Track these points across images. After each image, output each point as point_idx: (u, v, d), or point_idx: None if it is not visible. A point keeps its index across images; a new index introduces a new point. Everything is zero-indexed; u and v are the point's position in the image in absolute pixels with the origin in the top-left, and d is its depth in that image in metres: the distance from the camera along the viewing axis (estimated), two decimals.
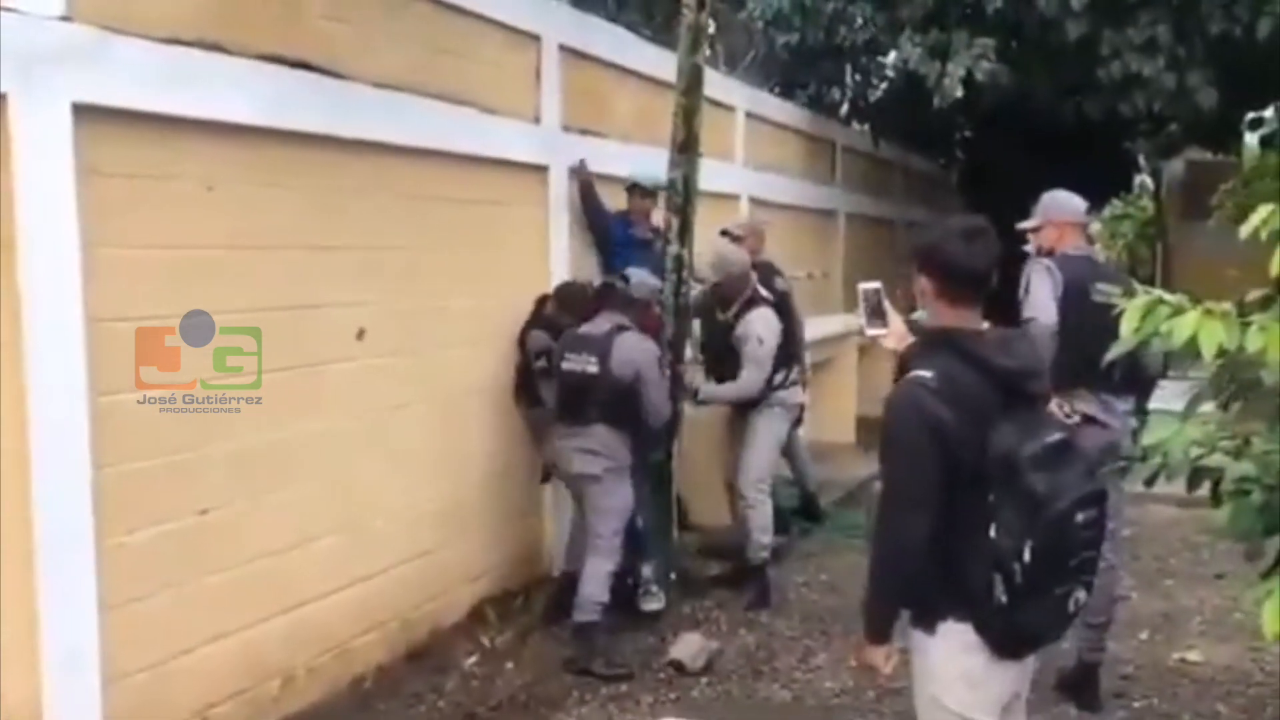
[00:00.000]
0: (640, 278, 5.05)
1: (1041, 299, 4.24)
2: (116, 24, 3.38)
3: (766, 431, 5.72)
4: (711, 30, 7.65)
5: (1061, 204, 4.59)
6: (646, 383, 4.86)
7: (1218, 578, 5.93)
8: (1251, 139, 13.04)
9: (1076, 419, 3.88)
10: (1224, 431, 3.21)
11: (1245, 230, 2.46)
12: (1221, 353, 2.39)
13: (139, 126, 3.50)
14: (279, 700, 4.14)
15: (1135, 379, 4.14)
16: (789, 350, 5.73)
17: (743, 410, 5.82)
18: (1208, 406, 3.15)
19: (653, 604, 5.24)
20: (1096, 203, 17.69)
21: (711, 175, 6.36)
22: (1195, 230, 22.83)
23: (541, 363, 5.21)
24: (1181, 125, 11.11)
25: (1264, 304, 2.85)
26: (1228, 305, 2.58)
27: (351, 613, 4.50)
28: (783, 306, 5.76)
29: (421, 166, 4.82)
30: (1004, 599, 2.38)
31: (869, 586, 2.58)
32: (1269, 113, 11.18)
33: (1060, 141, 11.56)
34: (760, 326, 5.49)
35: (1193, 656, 4.89)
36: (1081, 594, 2.49)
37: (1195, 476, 3.20)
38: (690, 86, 5.14)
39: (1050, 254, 4.47)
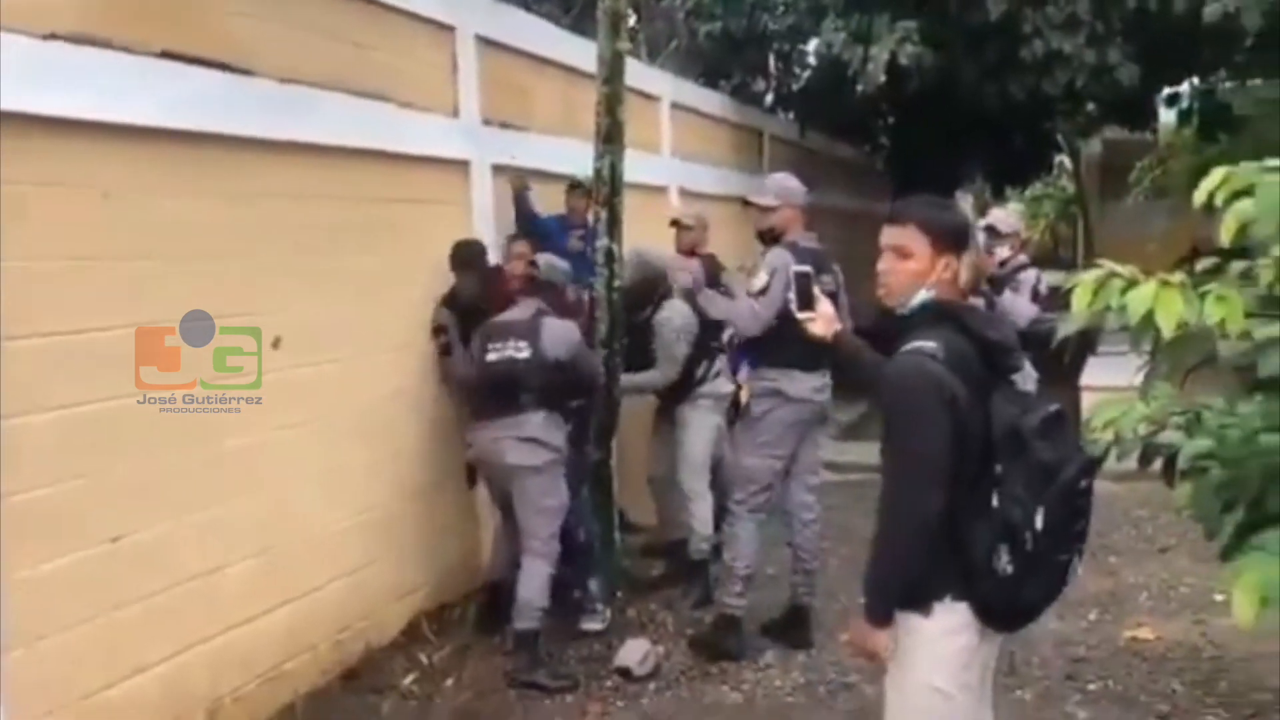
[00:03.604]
0: (549, 262, 4.90)
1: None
2: None
3: (699, 425, 5.60)
4: (633, 20, 7.52)
5: (795, 189, 4.81)
6: (579, 360, 4.75)
7: (1161, 552, 5.93)
8: (1167, 116, 13.25)
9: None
10: (1175, 407, 3.14)
11: (1197, 198, 2.36)
12: (1181, 325, 2.29)
13: (25, 131, 3.25)
14: None
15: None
16: (709, 341, 5.60)
17: (669, 406, 5.70)
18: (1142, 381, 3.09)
19: (594, 624, 5.04)
20: (1019, 183, 17.92)
21: (639, 167, 6.19)
22: (1114, 208, 23.34)
23: (442, 339, 5.08)
24: (1100, 104, 11.21)
25: (1214, 272, 2.78)
26: (1182, 276, 2.49)
27: (279, 636, 4.27)
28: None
29: (335, 165, 4.59)
30: (1009, 569, 2.37)
31: (878, 566, 2.50)
32: (1184, 89, 11.33)
33: (982, 124, 11.60)
34: (677, 320, 5.42)
35: (1143, 634, 4.85)
36: (1076, 561, 2.51)
37: (1147, 454, 3.13)
38: (612, 74, 4.97)
39: (779, 238, 4.67)
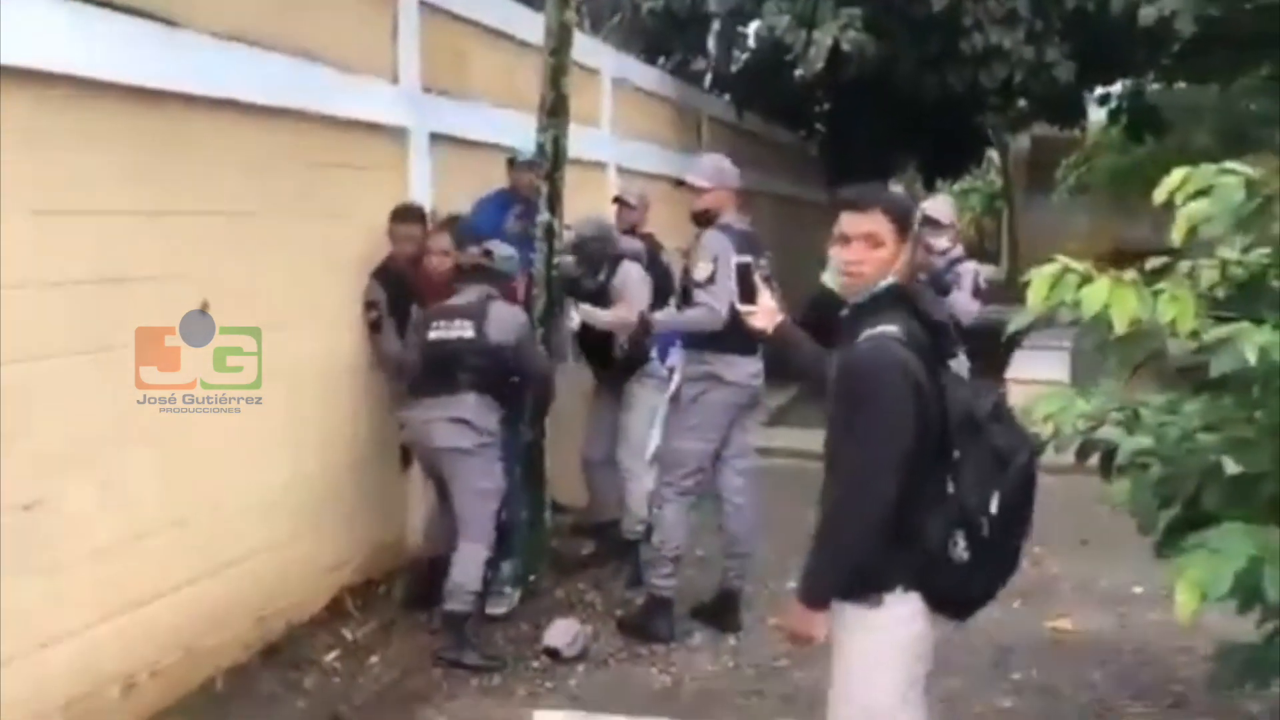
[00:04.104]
0: (503, 252, 4.80)
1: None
2: None
3: (644, 404, 5.55)
4: None
5: (729, 170, 4.82)
6: (523, 349, 4.69)
7: (1083, 544, 6.03)
8: (1096, 114, 13.51)
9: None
10: (1113, 403, 3.17)
11: (1158, 195, 2.36)
12: (1134, 322, 2.29)
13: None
14: (121, 708, 3.77)
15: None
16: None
17: (613, 383, 5.64)
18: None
19: (500, 607, 4.92)
20: (951, 175, 18.15)
21: (578, 142, 6.09)
22: (1039, 203, 23.81)
23: (373, 314, 4.98)
24: (1034, 100, 11.37)
25: (1162, 271, 2.79)
26: (1133, 274, 2.50)
27: (198, 610, 4.14)
28: (664, 280, 5.59)
29: (268, 125, 4.44)
30: (965, 556, 2.37)
31: (822, 550, 2.47)
32: (1117, 88, 11.53)
33: (917, 115, 11.69)
34: (635, 275, 5.33)
35: (1065, 624, 4.93)
36: (1022, 544, 2.54)
37: (1084, 449, 3.16)
38: (559, 46, 4.89)
39: (713, 219, 4.68)
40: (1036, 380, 8.64)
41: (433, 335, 4.60)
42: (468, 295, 4.69)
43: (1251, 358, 2.13)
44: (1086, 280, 2.39)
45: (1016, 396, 8.97)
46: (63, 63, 3.45)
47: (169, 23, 3.86)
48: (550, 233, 4.97)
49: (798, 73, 11.39)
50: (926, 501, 2.38)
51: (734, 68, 11.86)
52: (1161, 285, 2.47)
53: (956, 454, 2.39)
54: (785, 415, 9.28)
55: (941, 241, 6.03)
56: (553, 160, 4.95)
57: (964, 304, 5.53)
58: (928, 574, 2.42)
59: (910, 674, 2.50)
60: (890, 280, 2.53)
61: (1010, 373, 8.80)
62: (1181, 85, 12.71)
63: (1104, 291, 2.31)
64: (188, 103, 3.98)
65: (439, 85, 5.68)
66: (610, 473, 5.60)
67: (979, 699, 4.20)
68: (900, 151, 14.58)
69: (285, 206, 4.57)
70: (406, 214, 5.10)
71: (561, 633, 4.59)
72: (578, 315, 5.21)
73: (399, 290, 5.01)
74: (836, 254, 2.59)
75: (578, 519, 6.08)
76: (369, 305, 5.01)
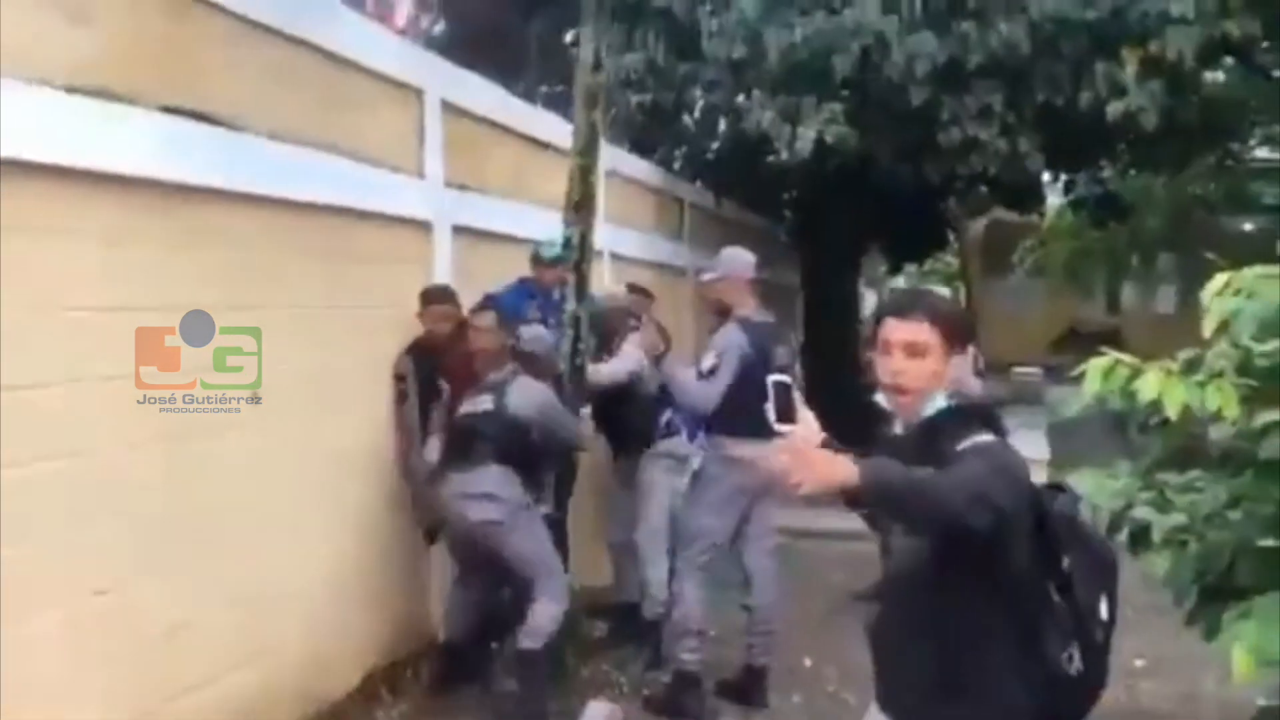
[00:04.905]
0: (534, 334, 5.00)
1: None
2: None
3: (659, 486, 5.71)
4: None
5: (738, 260, 5.03)
6: (549, 417, 4.84)
7: None
8: (1052, 199, 14.07)
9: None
10: (1139, 483, 3.39)
11: (1206, 297, 2.60)
12: (1184, 410, 2.52)
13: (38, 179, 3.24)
14: None
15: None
16: (668, 398, 5.72)
17: (629, 464, 5.81)
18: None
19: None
20: (917, 259, 18.63)
21: None
22: (996, 285, 24.45)
23: (400, 386, 5.14)
24: (999, 188, 11.82)
25: (1191, 364, 3.03)
26: (1173, 365, 2.73)
27: (243, 695, 4.21)
28: None
29: (309, 221, 4.63)
30: (1081, 668, 2.29)
31: (913, 484, 2.13)
32: (1080, 177, 12.05)
33: (884, 202, 12.08)
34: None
35: None
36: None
37: (1114, 525, 3.37)
38: (587, 145, 5.14)
39: (728, 311, 4.86)
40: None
41: (461, 411, 4.76)
42: (499, 373, 4.86)
43: None
44: (1137, 372, 2.62)
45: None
46: (150, 168, 3.65)
47: (233, 127, 4.06)
48: (577, 323, 5.17)
49: (770, 158, 11.81)
50: (1040, 615, 2.27)
51: (709, 155, 12.20)
52: (1198, 376, 2.71)
53: (1066, 561, 2.30)
54: (809, 497, 9.38)
55: None
56: (580, 253, 5.17)
57: (973, 384, 5.79)
58: (1050, 693, 2.29)
59: None
60: (948, 398, 2.39)
61: None
62: (1133, 174, 13.29)
63: (1156, 383, 2.54)
64: (243, 201, 4.17)
65: (459, 180, 5.91)
66: (631, 554, 5.73)
67: None
68: (868, 237, 15.00)
69: (319, 298, 4.73)
70: (442, 295, 5.28)
71: (597, 714, 4.69)
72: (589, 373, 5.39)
73: (429, 368, 5.17)
74: (879, 363, 2.43)
75: (590, 600, 6.18)
76: (398, 378, 5.16)
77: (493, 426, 4.72)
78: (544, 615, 4.61)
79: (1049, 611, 2.29)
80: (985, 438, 2.29)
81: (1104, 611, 2.32)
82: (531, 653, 4.58)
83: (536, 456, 4.94)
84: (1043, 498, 2.35)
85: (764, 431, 4.62)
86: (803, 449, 2.17)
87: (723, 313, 4.99)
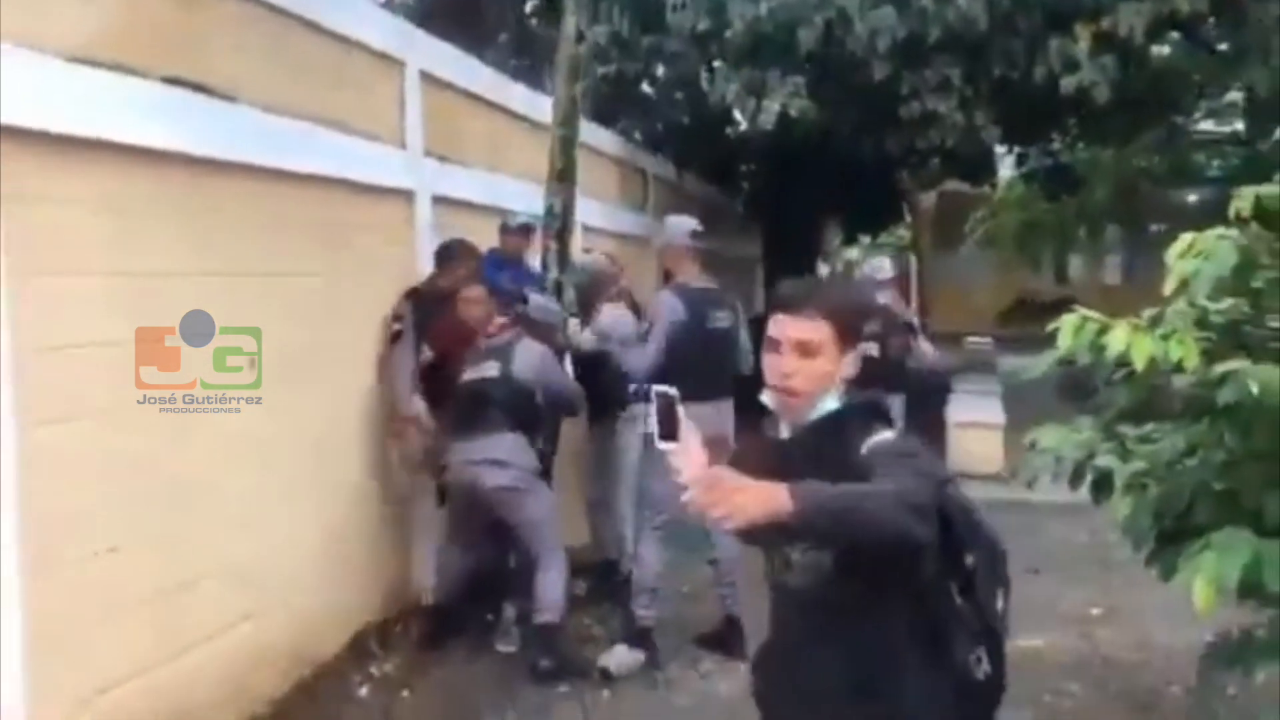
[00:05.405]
0: (540, 302, 5.13)
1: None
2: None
3: (631, 447, 5.86)
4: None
5: (674, 227, 5.13)
6: (552, 379, 4.99)
7: (1035, 573, 6.48)
8: (1003, 171, 14.40)
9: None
10: (1101, 435, 3.61)
11: (1171, 255, 2.80)
12: (1151, 362, 2.73)
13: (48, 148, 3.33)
14: None
15: None
16: None
17: (606, 424, 5.96)
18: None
19: (508, 646, 5.21)
20: (872, 231, 18.93)
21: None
22: (946, 257, 24.78)
23: (395, 327, 5.23)
24: (954, 160, 12.09)
25: (1153, 321, 3.25)
26: (1138, 320, 2.94)
27: (241, 651, 4.34)
28: None
29: (297, 190, 4.72)
30: (989, 668, 2.15)
31: (845, 500, 1.90)
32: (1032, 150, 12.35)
33: (841, 174, 12.32)
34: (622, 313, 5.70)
35: (1037, 644, 5.34)
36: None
37: (1077, 475, 3.59)
38: (568, 116, 5.27)
39: (669, 278, 5.06)
40: (977, 423, 9.24)
41: (465, 376, 4.89)
42: (502, 336, 4.99)
43: (1254, 390, 2.58)
44: (1105, 328, 2.83)
45: (961, 438, 9.51)
46: (142, 137, 3.73)
47: (229, 98, 4.15)
48: (560, 290, 5.31)
49: (728, 131, 11.97)
50: (947, 619, 2.12)
51: (672, 128, 12.34)
52: (1161, 330, 2.92)
53: (970, 559, 2.12)
54: None
55: (884, 296, 6.61)
56: (562, 222, 5.31)
57: (929, 349, 6.12)
58: (960, 700, 2.13)
59: None
60: (835, 399, 2.20)
61: (952, 417, 9.34)
62: (1082, 147, 13.62)
63: (1125, 337, 2.75)
64: (235, 171, 4.26)
65: (438, 150, 6.01)
66: (610, 512, 5.91)
67: None
68: (826, 209, 15.25)
69: (308, 266, 4.83)
70: (467, 251, 5.41)
71: (622, 657, 4.96)
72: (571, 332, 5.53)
73: (424, 316, 5.29)
74: (767, 361, 2.22)
75: (573, 558, 6.35)
76: (395, 318, 5.27)
77: (501, 391, 4.85)
78: (554, 588, 4.82)
79: (954, 614, 2.12)
80: (886, 435, 2.14)
81: (999, 604, 2.15)
82: (551, 625, 4.81)
83: (540, 421, 5.08)
84: (947, 490, 2.11)
85: (703, 393, 4.84)
86: (721, 479, 1.90)
87: (670, 279, 5.13)
